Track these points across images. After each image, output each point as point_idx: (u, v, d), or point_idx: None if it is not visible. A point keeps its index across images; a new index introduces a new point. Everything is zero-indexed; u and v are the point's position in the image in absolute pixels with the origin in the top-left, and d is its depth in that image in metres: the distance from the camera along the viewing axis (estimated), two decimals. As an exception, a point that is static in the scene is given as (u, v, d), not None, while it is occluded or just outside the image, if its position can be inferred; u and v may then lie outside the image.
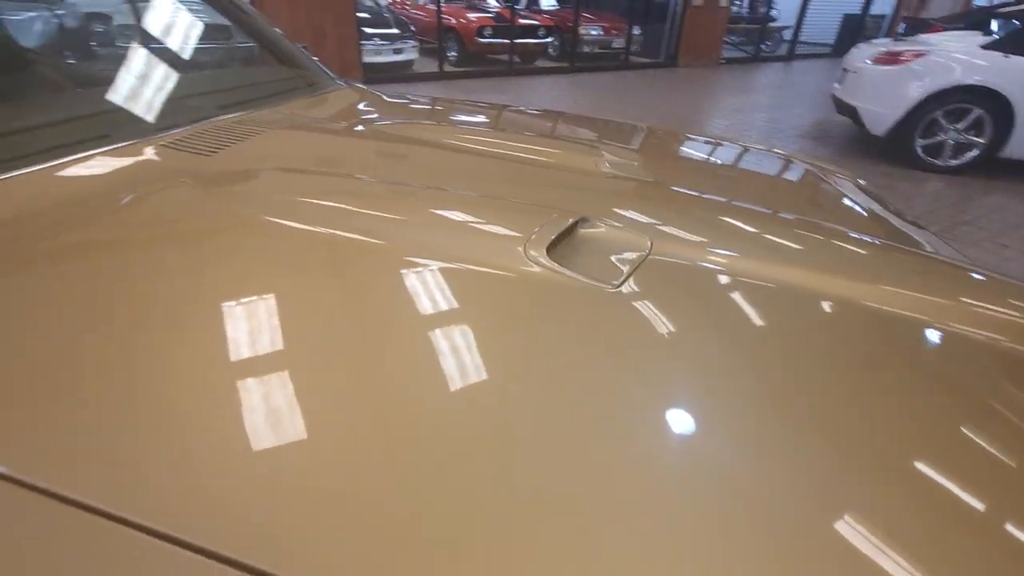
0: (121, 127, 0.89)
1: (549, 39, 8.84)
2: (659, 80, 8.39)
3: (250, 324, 0.47)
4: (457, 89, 6.97)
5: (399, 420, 0.40)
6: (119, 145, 0.82)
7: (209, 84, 1.28)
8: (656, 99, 6.91)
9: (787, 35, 11.88)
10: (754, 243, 0.70)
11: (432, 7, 8.45)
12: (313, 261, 0.57)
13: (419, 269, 0.57)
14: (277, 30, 1.54)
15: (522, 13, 8.84)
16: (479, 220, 0.67)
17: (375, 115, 1.29)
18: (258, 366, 0.43)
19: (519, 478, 0.36)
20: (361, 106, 1.35)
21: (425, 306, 0.52)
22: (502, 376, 0.45)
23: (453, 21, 8.28)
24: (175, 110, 0.99)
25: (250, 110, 1.09)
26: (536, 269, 0.57)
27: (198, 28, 1.33)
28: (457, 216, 0.68)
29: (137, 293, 0.51)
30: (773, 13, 12.04)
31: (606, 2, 10.55)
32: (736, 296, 0.58)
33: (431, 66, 7.77)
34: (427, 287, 0.55)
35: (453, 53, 8.57)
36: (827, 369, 0.49)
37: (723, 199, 0.85)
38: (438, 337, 0.48)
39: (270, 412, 0.39)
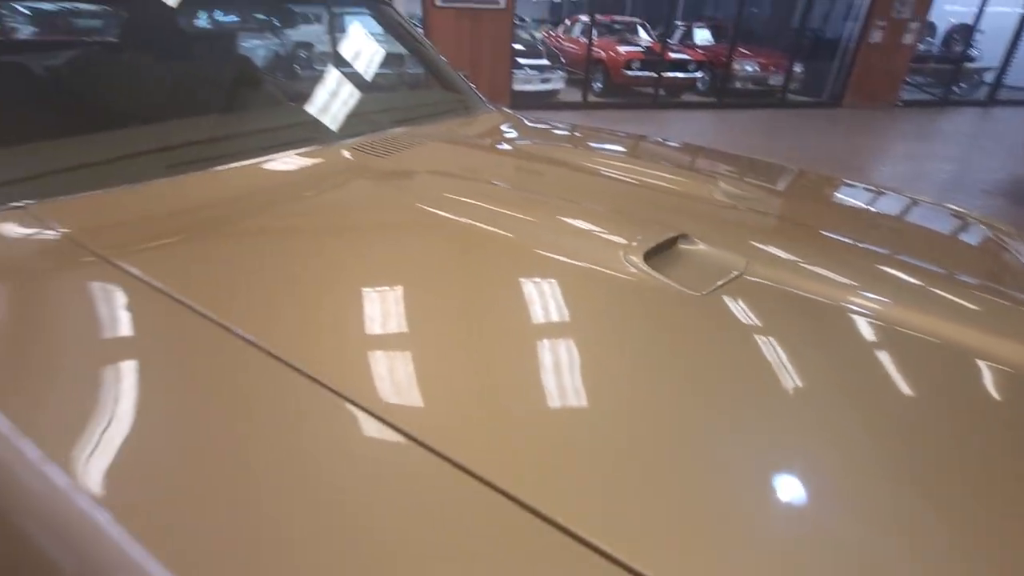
0: (319, 132, 1.14)
1: (698, 74, 8.70)
2: (817, 120, 7.81)
3: (405, 284, 0.63)
4: (598, 118, 7.13)
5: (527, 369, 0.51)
6: (317, 147, 1.06)
7: (385, 102, 1.54)
8: (811, 139, 6.45)
9: (988, 77, 10.35)
10: (865, 274, 0.70)
11: (584, 40, 8.80)
12: (455, 242, 0.74)
13: (537, 260, 0.68)
14: (443, 58, 1.79)
15: (673, 47, 8.82)
16: (594, 227, 0.77)
17: (517, 136, 1.45)
18: (421, 318, 0.58)
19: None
20: (506, 127, 1.52)
21: (535, 291, 0.62)
22: (590, 357, 0.53)
23: (602, 54, 8.53)
24: (358, 122, 1.22)
25: (415, 125, 1.31)
26: (633, 271, 0.65)
27: (379, 55, 1.61)
28: (576, 223, 0.78)
29: (334, 253, 0.70)
30: (972, 52, 10.58)
31: (768, 39, 10.12)
32: (834, 324, 0.60)
33: (575, 95, 8.06)
34: (542, 275, 0.66)
35: (599, 84, 8.81)
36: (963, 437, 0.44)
37: (853, 239, 0.84)
38: (539, 316, 0.58)
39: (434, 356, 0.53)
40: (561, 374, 0.50)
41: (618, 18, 10.54)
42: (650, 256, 0.68)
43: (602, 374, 0.51)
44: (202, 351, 0.50)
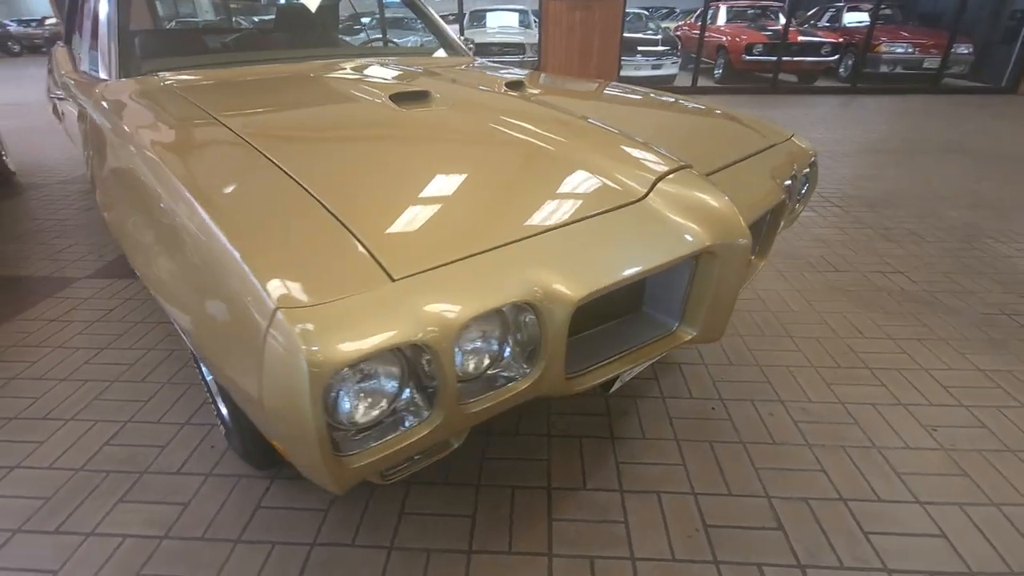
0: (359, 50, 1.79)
1: (834, 57, 8.03)
2: (981, 108, 6.79)
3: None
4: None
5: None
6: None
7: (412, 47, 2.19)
8: (968, 129, 5.73)
9: None
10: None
11: (717, 26, 8.64)
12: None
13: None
14: (438, 16, 2.39)
15: (804, 30, 8.24)
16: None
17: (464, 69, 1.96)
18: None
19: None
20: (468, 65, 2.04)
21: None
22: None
23: (724, 39, 8.31)
24: (386, 49, 1.84)
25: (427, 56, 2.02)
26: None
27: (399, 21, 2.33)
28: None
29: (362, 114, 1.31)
30: None
31: (934, 18, 8.89)
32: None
33: (697, 81, 8.00)
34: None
35: (719, 70, 8.59)
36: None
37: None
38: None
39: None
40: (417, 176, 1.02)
41: (757, 2, 10.03)
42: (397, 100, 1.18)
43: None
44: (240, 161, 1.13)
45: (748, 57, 8.00)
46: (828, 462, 1.43)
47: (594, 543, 1.21)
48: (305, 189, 0.90)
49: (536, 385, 0.87)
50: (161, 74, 1.64)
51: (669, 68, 8.04)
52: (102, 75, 1.66)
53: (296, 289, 0.69)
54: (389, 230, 0.82)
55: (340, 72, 1.69)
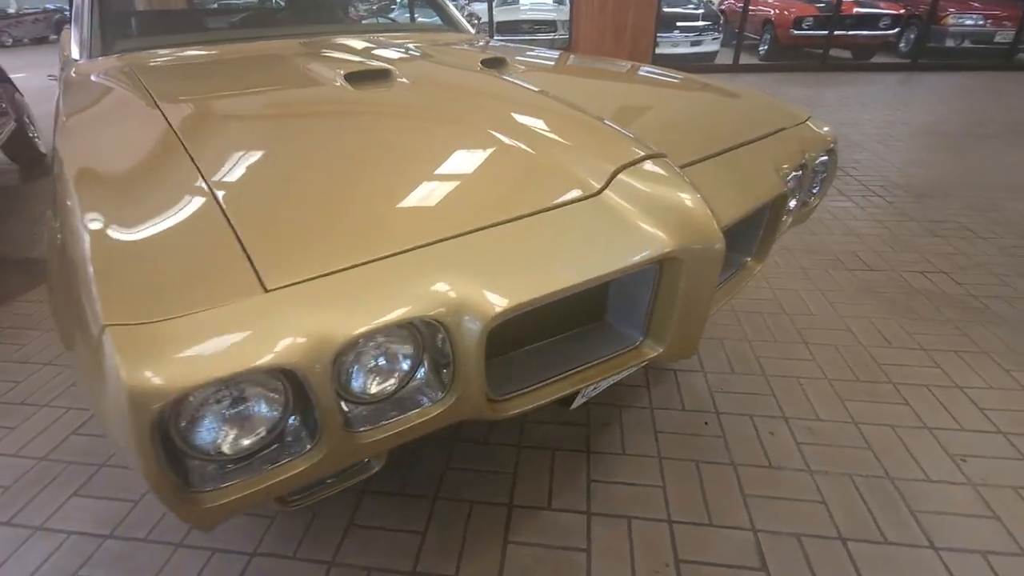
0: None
1: (893, 30, 7.38)
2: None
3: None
4: (748, 85, 6.61)
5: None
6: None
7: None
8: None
9: None
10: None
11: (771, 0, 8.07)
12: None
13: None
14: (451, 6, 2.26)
15: (861, 1, 7.59)
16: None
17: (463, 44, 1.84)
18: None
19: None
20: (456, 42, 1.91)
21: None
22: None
23: (771, 12, 7.77)
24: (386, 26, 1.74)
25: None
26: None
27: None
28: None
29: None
30: None
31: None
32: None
33: (740, 58, 7.50)
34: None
35: (764, 46, 8.06)
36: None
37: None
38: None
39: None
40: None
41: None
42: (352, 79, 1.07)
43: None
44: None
45: (797, 32, 7.45)
46: (830, 493, 1.26)
47: (549, 573, 1.10)
48: (206, 183, 0.80)
49: (453, 411, 0.75)
50: (132, 54, 1.58)
51: (709, 45, 7.59)
52: (73, 55, 1.61)
53: (138, 301, 0.59)
54: (283, 231, 0.72)
55: (309, 50, 1.58)
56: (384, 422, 0.72)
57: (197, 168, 0.84)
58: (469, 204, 0.81)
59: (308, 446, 0.68)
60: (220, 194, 0.77)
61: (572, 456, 1.37)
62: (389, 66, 1.32)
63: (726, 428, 1.45)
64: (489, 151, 0.95)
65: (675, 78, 1.53)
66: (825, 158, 1.38)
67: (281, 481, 0.66)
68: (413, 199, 0.81)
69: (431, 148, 0.95)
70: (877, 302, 2.01)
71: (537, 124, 1.02)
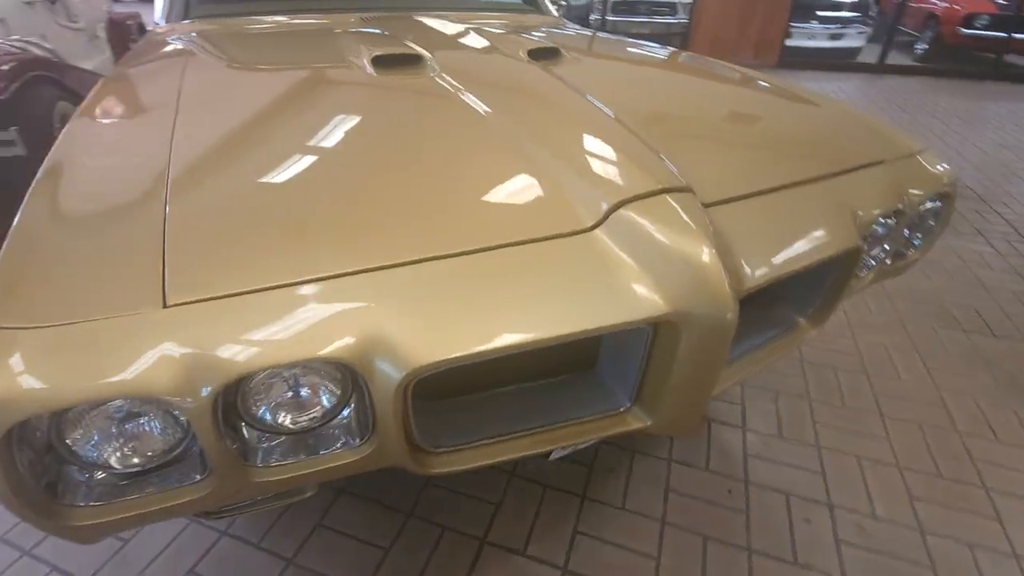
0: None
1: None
2: None
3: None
4: (887, 89, 5.74)
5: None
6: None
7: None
8: None
9: None
10: None
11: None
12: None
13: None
14: None
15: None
16: None
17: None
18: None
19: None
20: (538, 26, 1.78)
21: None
22: None
23: (937, 6, 6.67)
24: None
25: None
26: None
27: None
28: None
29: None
30: None
31: None
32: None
33: (890, 57, 6.55)
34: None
35: (923, 45, 6.97)
36: None
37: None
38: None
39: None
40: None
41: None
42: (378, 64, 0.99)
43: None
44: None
45: (966, 31, 6.35)
46: (864, 614, 1.03)
47: (502, 630, 1.00)
48: (167, 177, 0.76)
49: (370, 460, 0.66)
50: (205, 20, 1.62)
51: (853, 39, 6.67)
52: (156, 19, 1.68)
53: (21, 303, 0.55)
54: (214, 241, 0.65)
55: (357, 26, 1.52)
56: (289, 461, 0.65)
57: (168, 160, 0.80)
58: (426, 227, 0.70)
59: (197, 477, 0.62)
60: (172, 192, 0.72)
61: (564, 498, 1.24)
62: (424, 51, 1.22)
63: (752, 503, 1.24)
64: (476, 161, 0.83)
65: (758, 86, 1.29)
66: (937, 204, 1.10)
67: (161, 509, 0.61)
68: (366, 214, 0.71)
69: (417, 154, 0.84)
70: (991, 378, 1.64)
71: (553, 132, 0.88)
